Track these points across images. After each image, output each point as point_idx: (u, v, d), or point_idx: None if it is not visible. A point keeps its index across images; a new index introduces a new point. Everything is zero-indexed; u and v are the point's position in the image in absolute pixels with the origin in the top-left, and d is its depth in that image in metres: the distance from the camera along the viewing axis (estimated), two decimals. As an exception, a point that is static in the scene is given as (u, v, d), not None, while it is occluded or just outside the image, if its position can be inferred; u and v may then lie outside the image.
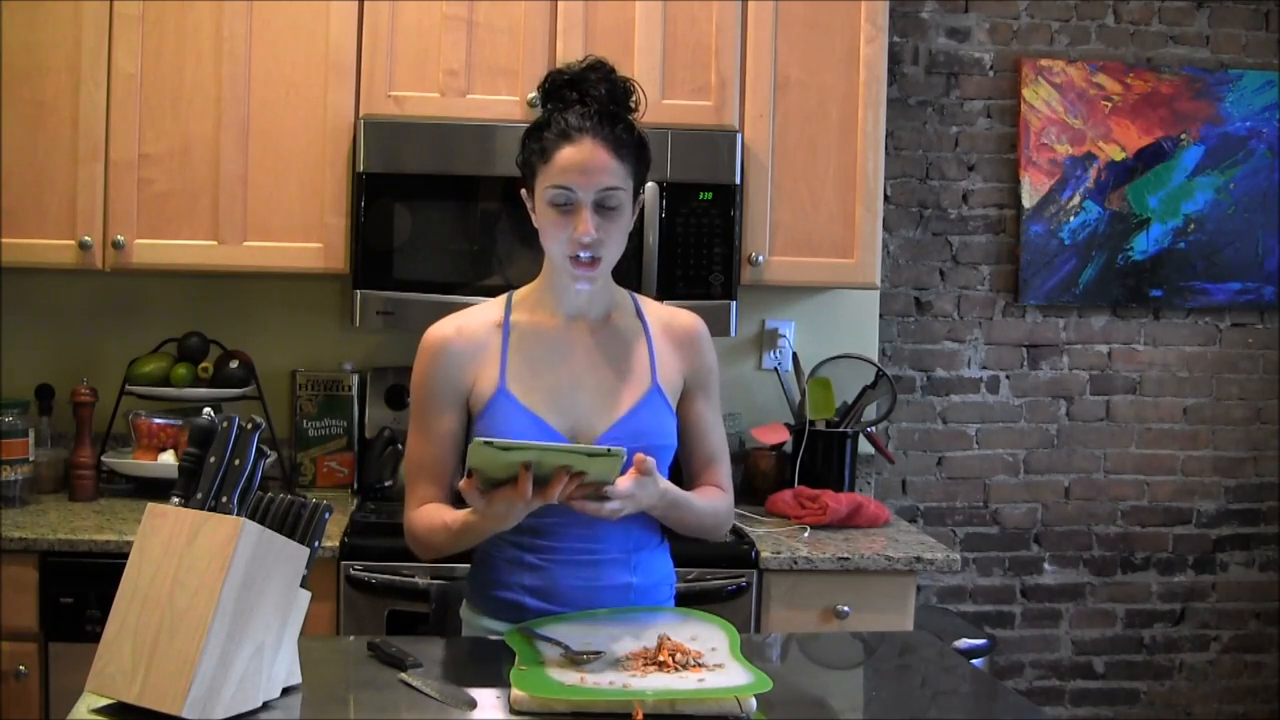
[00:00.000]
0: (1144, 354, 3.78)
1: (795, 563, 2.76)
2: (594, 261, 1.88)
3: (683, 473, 2.06)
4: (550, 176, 1.87)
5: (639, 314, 2.02)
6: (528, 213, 1.96)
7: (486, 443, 1.65)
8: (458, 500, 2.00)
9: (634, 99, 1.92)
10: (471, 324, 1.97)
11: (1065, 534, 3.78)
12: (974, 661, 2.97)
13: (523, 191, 1.96)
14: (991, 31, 3.69)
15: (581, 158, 1.85)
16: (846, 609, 2.78)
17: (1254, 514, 3.85)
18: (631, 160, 1.90)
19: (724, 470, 2.07)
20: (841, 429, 3.26)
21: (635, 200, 1.93)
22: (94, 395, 3.05)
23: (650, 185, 2.93)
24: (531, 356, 1.95)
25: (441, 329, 1.97)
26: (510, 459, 1.67)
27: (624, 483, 1.76)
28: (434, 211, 2.97)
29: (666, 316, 2.04)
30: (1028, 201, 3.68)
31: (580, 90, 1.89)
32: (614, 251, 1.91)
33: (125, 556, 1.56)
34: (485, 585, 1.98)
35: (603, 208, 1.86)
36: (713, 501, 2.02)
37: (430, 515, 1.93)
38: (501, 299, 2.02)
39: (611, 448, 1.68)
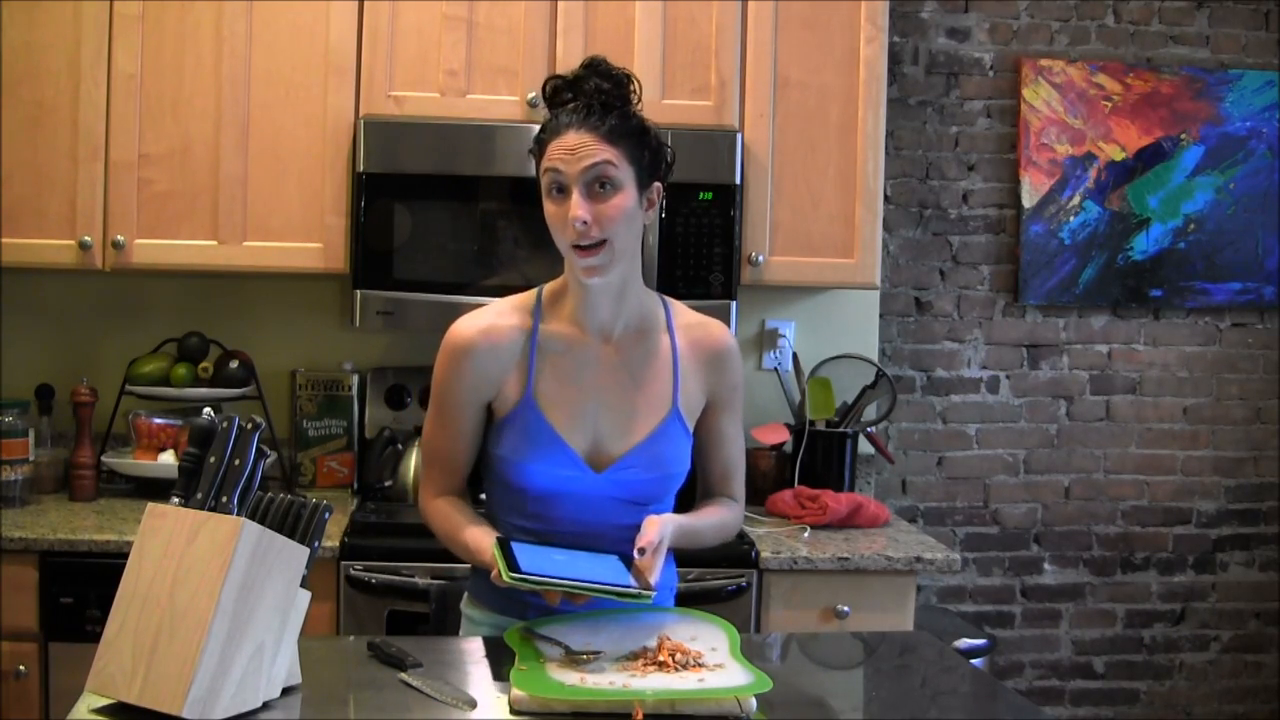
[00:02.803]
0: (1144, 354, 3.78)
1: (795, 563, 2.76)
2: (595, 248, 1.83)
3: (698, 481, 2.06)
4: (544, 164, 1.87)
5: (669, 328, 1.98)
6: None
7: (521, 578, 1.69)
8: (475, 481, 2.01)
9: (630, 90, 1.90)
10: (500, 328, 1.93)
11: (1065, 534, 3.78)
12: (974, 661, 2.97)
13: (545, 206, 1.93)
14: (991, 31, 3.69)
15: (566, 144, 1.84)
16: (846, 609, 2.78)
17: (1254, 514, 3.85)
18: (627, 145, 1.86)
19: (738, 481, 2.08)
20: (841, 429, 3.26)
21: (642, 190, 1.89)
22: (94, 395, 3.05)
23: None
24: (558, 371, 1.92)
25: (466, 330, 1.93)
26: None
27: (651, 573, 1.80)
28: (434, 211, 2.97)
29: (698, 332, 2.00)
30: (1028, 201, 3.68)
31: (576, 90, 1.90)
32: (619, 236, 1.85)
33: (125, 556, 1.56)
34: (488, 583, 1.97)
35: (595, 188, 1.83)
36: (721, 518, 2.03)
37: (449, 521, 1.94)
38: (530, 296, 1.98)
39: (642, 590, 1.72)
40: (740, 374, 2.03)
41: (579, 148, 1.83)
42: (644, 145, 1.90)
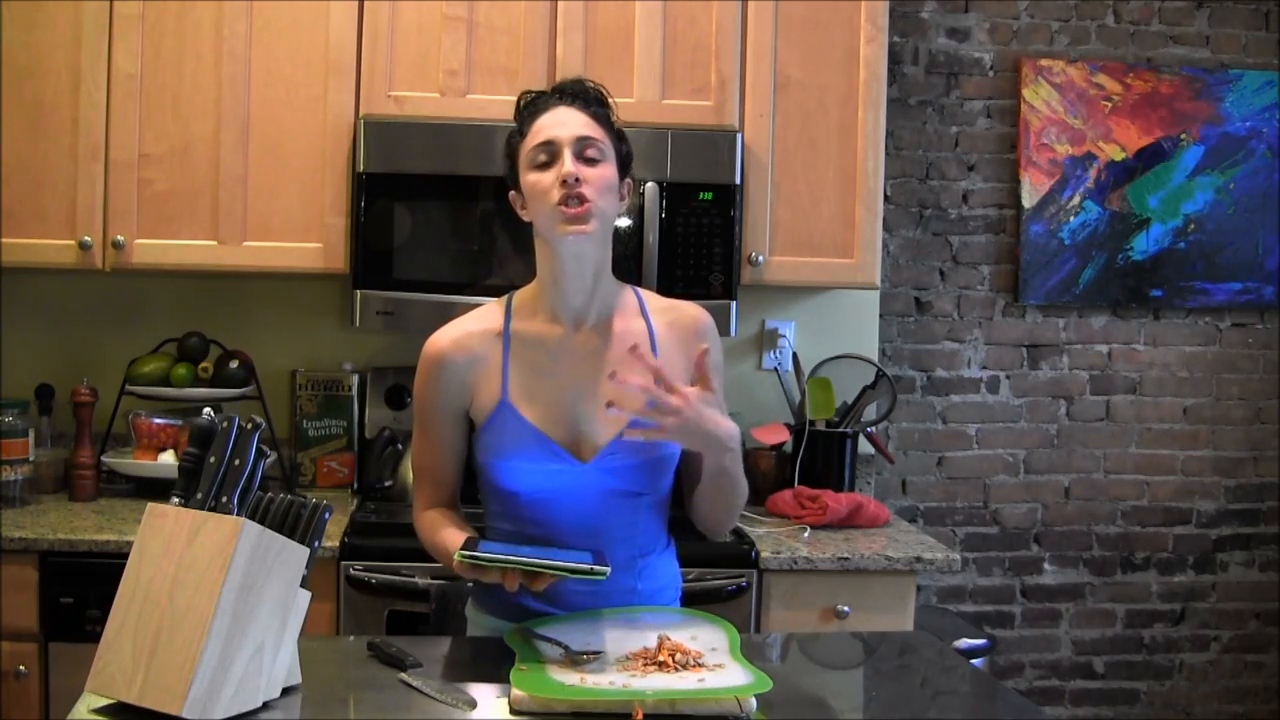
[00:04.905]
0: (1144, 354, 3.78)
1: (795, 563, 2.76)
2: (582, 205, 1.84)
3: (689, 467, 2.03)
4: (529, 144, 1.89)
5: (643, 312, 2.00)
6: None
7: (471, 556, 1.69)
8: (468, 487, 2.02)
9: (608, 98, 1.96)
10: (471, 335, 1.95)
11: (1065, 534, 3.78)
12: (974, 661, 2.97)
13: (511, 195, 1.96)
14: (991, 31, 3.69)
15: (555, 117, 1.89)
16: (846, 609, 2.78)
17: (1254, 514, 3.85)
18: (610, 133, 1.92)
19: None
20: (841, 429, 3.26)
21: (621, 176, 1.93)
22: (94, 395, 3.05)
23: (650, 185, 2.93)
24: (532, 367, 1.93)
25: (439, 342, 1.96)
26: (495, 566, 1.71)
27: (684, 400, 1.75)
28: (434, 211, 2.97)
29: (672, 314, 2.01)
30: (1028, 201, 3.68)
31: (554, 92, 1.95)
32: (603, 204, 1.87)
33: (125, 556, 1.56)
34: (489, 585, 1.97)
35: (583, 157, 1.87)
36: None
37: (433, 531, 1.95)
38: (501, 302, 2.00)
39: (595, 566, 1.68)
40: (720, 352, 2.03)
41: (567, 119, 1.89)
42: (622, 140, 1.96)
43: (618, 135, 1.95)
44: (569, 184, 1.83)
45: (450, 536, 1.88)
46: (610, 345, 1.95)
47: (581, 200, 1.84)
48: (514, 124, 1.96)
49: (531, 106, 1.94)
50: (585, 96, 1.93)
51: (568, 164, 1.84)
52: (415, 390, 1.99)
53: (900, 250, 3.69)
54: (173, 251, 2.98)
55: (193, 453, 1.60)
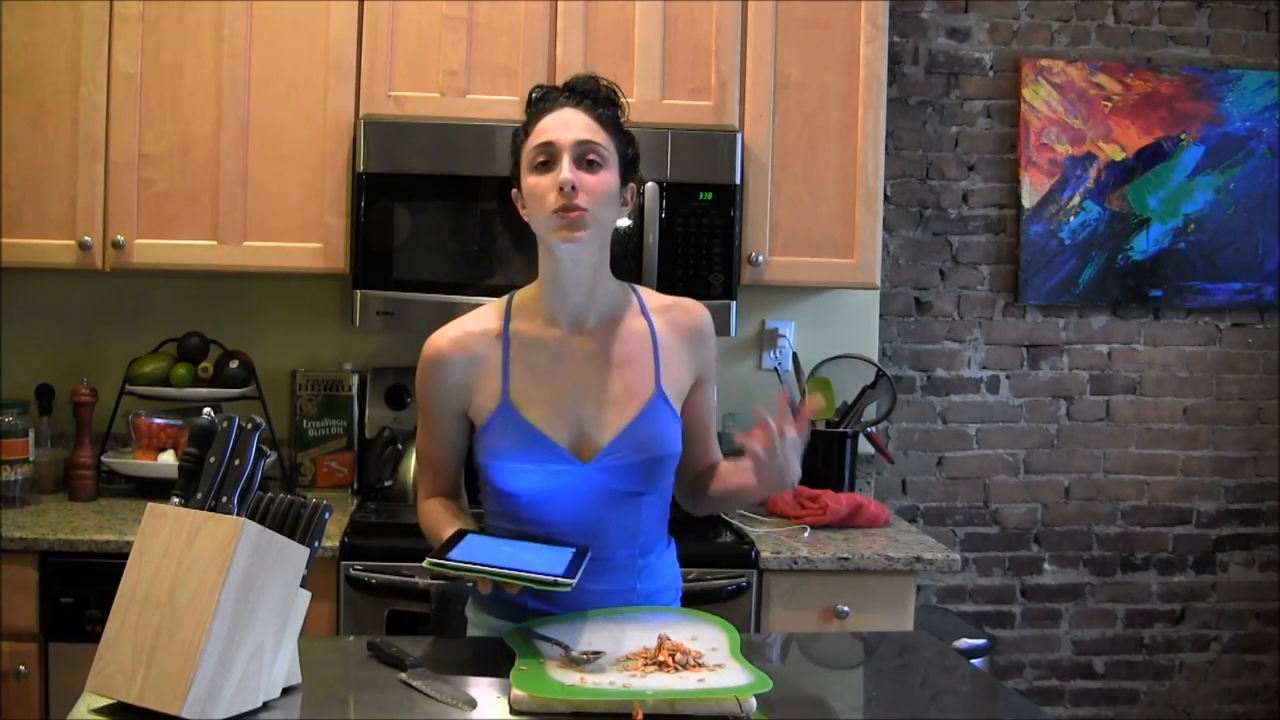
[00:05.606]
0: (1144, 354, 3.78)
1: (795, 563, 2.76)
2: (578, 212, 1.83)
3: (688, 459, 2.02)
4: (530, 144, 1.88)
5: (643, 312, 1.99)
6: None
7: (439, 564, 1.70)
8: (469, 487, 2.04)
9: (618, 97, 1.95)
10: (470, 335, 1.95)
11: (1065, 534, 3.78)
12: (974, 661, 2.97)
13: (514, 193, 1.95)
14: (991, 31, 3.69)
15: (559, 118, 1.88)
16: (846, 609, 2.78)
17: (1254, 514, 3.85)
18: (616, 136, 1.91)
19: (717, 447, 2.11)
20: (841, 429, 3.26)
21: (624, 180, 1.92)
22: (94, 395, 3.05)
23: (650, 185, 2.93)
24: (533, 368, 1.93)
25: (439, 342, 1.96)
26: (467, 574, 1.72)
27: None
28: (434, 211, 2.97)
29: (674, 313, 2.01)
30: (1028, 201, 3.68)
31: (565, 89, 1.94)
32: (601, 210, 1.86)
33: (125, 556, 1.56)
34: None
35: (583, 162, 1.85)
36: None
37: (433, 522, 1.97)
38: (502, 302, 1.99)
39: (560, 578, 1.68)
40: (716, 347, 2.06)
41: (570, 122, 1.87)
42: (628, 143, 1.94)
43: (624, 139, 1.93)
44: (565, 191, 1.82)
45: (445, 532, 1.88)
46: (610, 346, 1.95)
47: (578, 207, 1.83)
48: (515, 123, 1.96)
49: (539, 104, 1.93)
50: (594, 96, 1.91)
51: (565, 171, 1.83)
52: (416, 387, 2.00)
53: (900, 250, 3.69)
54: (173, 251, 2.98)
55: (193, 453, 1.61)
